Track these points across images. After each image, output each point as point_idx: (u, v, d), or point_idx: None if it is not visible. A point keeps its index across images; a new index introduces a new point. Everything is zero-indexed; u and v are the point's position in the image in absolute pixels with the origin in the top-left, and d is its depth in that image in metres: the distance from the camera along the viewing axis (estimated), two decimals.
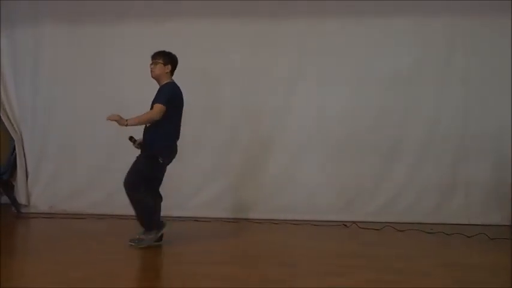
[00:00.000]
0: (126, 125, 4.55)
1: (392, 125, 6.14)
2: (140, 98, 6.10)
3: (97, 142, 6.36)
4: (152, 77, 4.79)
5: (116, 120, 4.54)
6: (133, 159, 5.97)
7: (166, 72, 4.77)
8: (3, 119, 6.48)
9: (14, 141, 6.51)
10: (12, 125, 6.50)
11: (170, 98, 4.66)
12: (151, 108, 4.69)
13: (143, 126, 4.75)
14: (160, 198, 4.85)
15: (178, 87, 4.80)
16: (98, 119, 6.25)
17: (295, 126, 6.24)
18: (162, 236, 4.80)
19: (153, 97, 4.74)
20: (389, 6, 6.02)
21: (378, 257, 4.59)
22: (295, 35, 6.19)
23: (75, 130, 6.42)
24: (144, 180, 4.67)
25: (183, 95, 4.81)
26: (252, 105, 6.26)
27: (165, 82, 4.77)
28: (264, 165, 6.30)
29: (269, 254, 4.78)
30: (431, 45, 6.08)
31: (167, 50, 4.82)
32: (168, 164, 4.79)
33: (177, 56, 4.83)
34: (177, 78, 4.86)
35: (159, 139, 4.69)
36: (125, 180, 4.66)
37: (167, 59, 4.76)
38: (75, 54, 6.40)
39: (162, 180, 4.84)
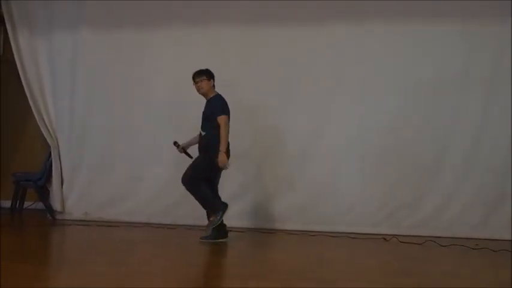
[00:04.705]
0: (225, 152, 5.05)
1: (436, 134, 5.93)
2: (177, 105, 6.19)
3: (133, 150, 6.35)
4: (201, 93, 5.20)
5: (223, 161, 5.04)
6: (169, 167, 6.04)
7: (212, 86, 5.21)
8: (40, 125, 6.52)
9: (50, 147, 6.52)
10: (49, 132, 6.52)
11: (225, 108, 5.12)
12: (204, 119, 5.13)
13: (197, 133, 5.21)
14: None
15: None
16: (135, 127, 6.35)
17: (334, 136, 6.09)
18: (226, 232, 5.27)
19: (198, 108, 5.16)
20: (433, 12, 5.82)
21: (424, 275, 4.39)
22: (334, 42, 6.05)
23: (111, 138, 6.41)
24: (203, 178, 5.12)
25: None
26: (290, 114, 6.15)
27: (213, 95, 5.20)
28: (301, 175, 6.15)
29: (305, 269, 4.62)
30: (478, 51, 5.84)
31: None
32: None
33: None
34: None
35: (213, 145, 5.06)
36: (183, 176, 5.13)
37: (209, 75, 5.20)
38: (112, 62, 6.40)
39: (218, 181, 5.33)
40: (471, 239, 5.64)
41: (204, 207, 5.22)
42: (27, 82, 6.48)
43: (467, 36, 5.84)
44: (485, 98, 5.86)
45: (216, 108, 5.11)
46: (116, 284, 3.91)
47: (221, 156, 5.00)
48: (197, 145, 5.26)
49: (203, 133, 5.16)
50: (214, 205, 5.15)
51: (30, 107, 6.52)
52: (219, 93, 5.20)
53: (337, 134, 6.08)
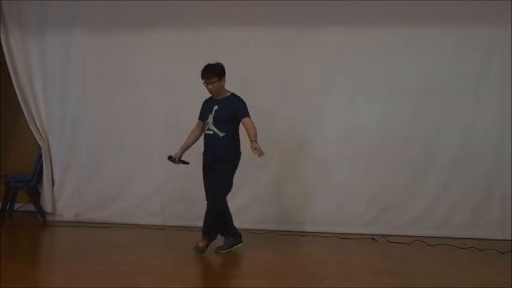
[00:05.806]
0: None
1: (425, 135, 5.98)
2: (169, 106, 6.21)
3: (124, 151, 6.36)
4: (213, 94, 4.98)
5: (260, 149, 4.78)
6: (160, 168, 6.03)
7: (224, 85, 4.97)
8: (31, 126, 6.49)
9: (41, 149, 6.51)
10: (40, 133, 6.51)
11: (247, 109, 4.95)
12: (222, 120, 4.89)
13: (202, 137, 5.04)
14: None
15: None
16: (126, 128, 6.36)
17: (324, 137, 6.12)
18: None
19: (202, 107, 5.07)
20: (424, 15, 5.88)
21: (412, 274, 4.46)
22: (326, 44, 6.08)
23: (103, 139, 6.40)
24: (228, 190, 4.98)
25: None
26: (282, 115, 6.17)
27: (228, 94, 5.00)
28: (292, 175, 6.19)
29: (295, 268, 4.70)
30: (467, 54, 5.90)
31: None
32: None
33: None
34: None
35: (234, 146, 4.98)
36: (211, 200, 4.95)
37: (220, 73, 4.92)
38: (104, 63, 6.40)
39: None
40: (459, 238, 5.72)
41: (222, 230, 5.10)
42: (18, 83, 6.45)
43: (457, 37, 5.90)
44: (475, 99, 5.91)
45: (238, 109, 4.92)
46: (108, 284, 3.94)
47: (256, 144, 4.78)
48: (197, 145, 5.08)
49: (221, 134, 4.90)
50: (232, 230, 5.12)
51: (21, 107, 6.50)
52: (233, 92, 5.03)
53: (327, 134, 6.12)
